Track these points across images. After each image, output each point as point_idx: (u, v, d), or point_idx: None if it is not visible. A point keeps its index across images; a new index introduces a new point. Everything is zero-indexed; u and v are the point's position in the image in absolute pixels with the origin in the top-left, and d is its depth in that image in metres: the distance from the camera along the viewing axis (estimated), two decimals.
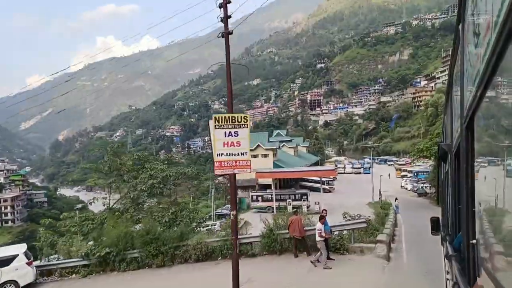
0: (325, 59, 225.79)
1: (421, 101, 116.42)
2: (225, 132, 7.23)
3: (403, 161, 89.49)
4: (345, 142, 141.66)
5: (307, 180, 59.63)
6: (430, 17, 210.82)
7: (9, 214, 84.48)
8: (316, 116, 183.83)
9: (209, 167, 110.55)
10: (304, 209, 40.72)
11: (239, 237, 14.08)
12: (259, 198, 45.42)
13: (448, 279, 3.99)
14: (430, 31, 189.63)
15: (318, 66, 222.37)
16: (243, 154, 7.35)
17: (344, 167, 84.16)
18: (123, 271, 14.20)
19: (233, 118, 7.42)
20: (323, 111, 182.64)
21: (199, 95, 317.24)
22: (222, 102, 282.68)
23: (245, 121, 7.36)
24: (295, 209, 15.50)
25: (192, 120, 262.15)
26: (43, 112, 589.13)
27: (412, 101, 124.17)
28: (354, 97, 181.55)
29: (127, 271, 14.13)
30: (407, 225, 24.60)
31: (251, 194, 47.58)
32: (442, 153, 4.47)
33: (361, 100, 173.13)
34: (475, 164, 1.89)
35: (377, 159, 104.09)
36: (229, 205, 50.95)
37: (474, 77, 1.72)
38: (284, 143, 72.52)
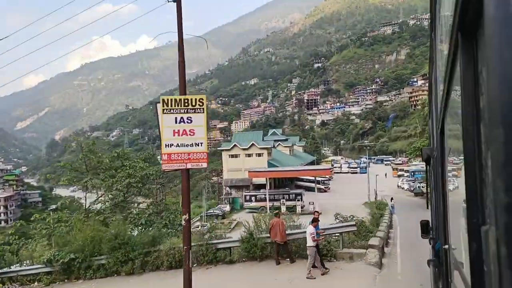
0: (322, 58, 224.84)
1: (418, 101, 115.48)
2: (176, 118, 5.86)
3: (400, 160, 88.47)
4: (342, 142, 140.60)
5: (302, 180, 59.22)
6: (427, 17, 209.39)
7: (2, 214, 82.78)
8: (313, 115, 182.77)
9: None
10: (298, 209, 39.70)
11: (215, 241, 12.84)
12: (253, 198, 44.47)
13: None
14: (427, 30, 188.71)
15: (315, 65, 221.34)
16: (199, 145, 5.95)
17: (341, 167, 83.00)
18: (89, 279, 12.91)
19: (186, 100, 6.05)
20: (320, 111, 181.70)
21: (196, 94, 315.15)
22: (220, 102, 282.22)
23: (201, 104, 6.03)
24: (276, 211, 14.07)
25: None
26: (40, 112, 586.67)
27: (409, 100, 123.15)
28: (351, 96, 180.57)
29: (94, 279, 12.83)
30: (402, 226, 23.40)
31: (244, 194, 46.62)
32: (425, 157, 4.50)
33: (358, 100, 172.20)
34: (449, 168, 1.87)
35: (374, 158, 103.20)
36: (222, 205, 49.71)
37: (443, 81, 1.72)
38: (279, 142, 71.42)
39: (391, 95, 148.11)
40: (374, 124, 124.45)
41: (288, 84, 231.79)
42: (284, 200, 41.52)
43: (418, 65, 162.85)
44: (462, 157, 1.05)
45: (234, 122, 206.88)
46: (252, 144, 54.66)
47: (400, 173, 68.66)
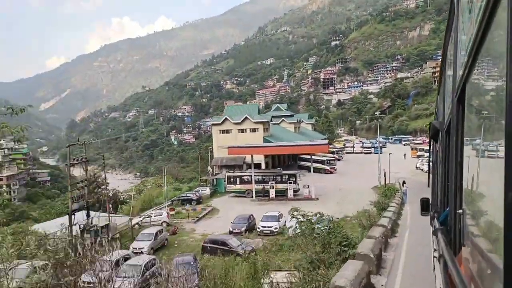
0: (341, 36, 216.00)
1: None
2: None
3: (420, 140, 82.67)
4: (358, 122, 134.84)
5: (305, 160, 55.59)
6: None
7: (5, 193, 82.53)
8: (329, 95, 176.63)
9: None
10: (290, 193, 35.60)
11: None
12: (237, 180, 38.91)
13: (435, 257, 3.69)
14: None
15: (333, 43, 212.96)
16: None
17: (353, 147, 77.90)
18: None
19: None
20: (337, 90, 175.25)
21: (212, 75, 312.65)
22: (235, 82, 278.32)
23: None
24: None
25: (204, 100, 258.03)
26: (62, 94, 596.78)
27: (432, 76, 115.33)
28: (369, 75, 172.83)
29: None
30: (416, 225, 16.03)
31: (226, 174, 41.26)
32: (433, 132, 4.41)
33: (377, 78, 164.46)
34: (465, 137, 1.89)
35: (392, 138, 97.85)
36: (203, 188, 44.98)
37: (467, 44, 1.65)
38: (283, 118, 67.20)
39: (412, 72, 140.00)
40: (393, 103, 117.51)
41: (305, 63, 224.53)
42: (274, 182, 36.54)
43: (443, 40, 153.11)
44: (486, 125, 1.00)
45: (248, 102, 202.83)
46: (246, 118, 49.78)
47: (420, 153, 61.89)
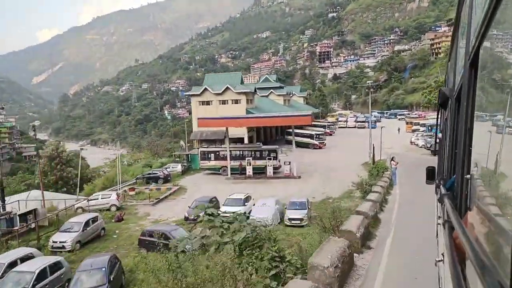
0: (338, 8, 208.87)
1: (440, 48, 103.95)
2: None
3: (415, 114, 79.87)
4: (354, 96, 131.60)
5: (296, 135, 53.04)
6: None
7: None
8: (325, 69, 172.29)
9: None
10: (269, 171, 32.54)
11: None
12: (211, 156, 35.46)
13: (439, 224, 3.78)
14: None
15: (330, 15, 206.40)
16: None
17: (346, 121, 75.10)
18: None
19: None
20: (333, 64, 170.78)
21: (207, 49, 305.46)
22: (230, 56, 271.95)
23: None
24: None
25: (198, 74, 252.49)
26: (54, 67, 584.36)
27: (430, 48, 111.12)
28: (366, 48, 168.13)
29: None
30: (405, 218, 12.71)
31: (200, 149, 37.96)
32: (443, 99, 4.48)
33: (374, 52, 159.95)
34: (476, 103, 1.88)
35: (387, 113, 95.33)
36: (175, 164, 40.16)
37: (483, 2, 1.59)
38: (272, 90, 63.88)
39: (410, 45, 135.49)
40: (389, 76, 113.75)
41: (301, 36, 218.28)
42: (251, 159, 33.18)
43: (443, 12, 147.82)
44: (497, 87, 1.01)
45: (243, 76, 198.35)
46: (227, 88, 46.08)
47: (415, 127, 59.20)
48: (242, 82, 52.17)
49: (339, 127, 73.39)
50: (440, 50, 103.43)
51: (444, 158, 4.79)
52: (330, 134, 60.69)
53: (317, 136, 49.14)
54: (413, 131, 57.49)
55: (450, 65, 4.45)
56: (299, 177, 31.80)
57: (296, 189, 27.00)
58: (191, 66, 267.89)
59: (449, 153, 3.96)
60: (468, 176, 2.04)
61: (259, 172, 33.04)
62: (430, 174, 5.80)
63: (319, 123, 62.88)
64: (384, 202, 16.00)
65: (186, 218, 21.40)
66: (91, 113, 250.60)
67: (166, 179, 34.52)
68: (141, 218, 24.43)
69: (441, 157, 5.45)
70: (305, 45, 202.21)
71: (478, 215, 1.54)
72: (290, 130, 48.92)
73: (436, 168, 5.73)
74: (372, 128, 74.76)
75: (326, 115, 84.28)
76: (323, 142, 49.21)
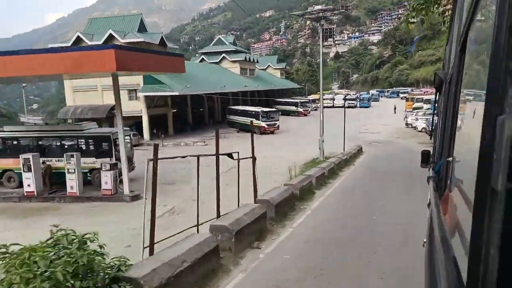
0: None
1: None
2: None
3: (420, 91, 68.93)
4: (355, 76, 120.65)
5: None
6: None
7: None
8: (327, 47, 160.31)
9: None
10: (73, 186, 16.62)
11: None
12: None
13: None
14: None
15: None
16: None
17: (333, 99, 63.60)
18: None
19: None
20: (336, 42, 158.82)
21: (208, 29, 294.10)
22: (230, 35, 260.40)
23: None
24: None
25: (197, 55, 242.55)
26: None
27: (442, 16, 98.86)
28: (373, 24, 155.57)
29: None
30: None
31: None
32: (438, 82, 4.61)
33: (381, 28, 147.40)
34: (464, 84, 1.87)
35: (388, 91, 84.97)
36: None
37: None
38: (224, 54, 53.05)
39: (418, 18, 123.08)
40: (393, 50, 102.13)
41: (305, 16, 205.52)
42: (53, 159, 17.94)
43: None
44: (483, 70, 1.02)
45: None
46: (111, 37, 32.44)
47: (417, 105, 46.88)
48: (144, 29, 39.07)
49: (325, 107, 63.06)
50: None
51: (437, 141, 4.91)
52: (305, 115, 51.04)
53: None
54: (414, 109, 46.28)
55: (448, 48, 4.45)
56: (136, 197, 15.77)
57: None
58: (190, 47, 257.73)
59: (441, 137, 4.07)
60: (450, 159, 2.09)
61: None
62: (425, 158, 5.79)
63: (291, 100, 53.79)
64: None
65: None
66: None
67: None
68: None
69: (435, 141, 5.78)
70: (308, 22, 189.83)
71: (452, 196, 1.55)
72: (233, 108, 39.28)
73: (431, 152, 5.86)
74: (365, 107, 64.49)
75: (313, 93, 73.91)
76: (276, 125, 38.45)
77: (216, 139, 9.18)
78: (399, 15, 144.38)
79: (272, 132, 37.36)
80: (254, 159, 10.32)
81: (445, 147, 2.67)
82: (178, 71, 17.22)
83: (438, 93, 5.58)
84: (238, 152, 9.83)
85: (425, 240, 2.81)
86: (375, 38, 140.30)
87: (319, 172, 14.56)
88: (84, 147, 18.12)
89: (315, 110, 51.76)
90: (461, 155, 1.64)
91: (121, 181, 15.80)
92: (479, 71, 1.27)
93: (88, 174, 17.72)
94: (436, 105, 6.15)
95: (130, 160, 18.00)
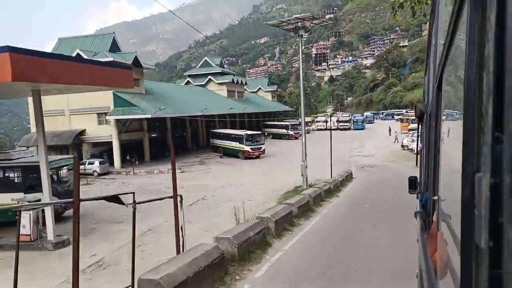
0: (335, 8, 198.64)
1: None
2: None
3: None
4: (350, 98, 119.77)
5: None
6: None
7: None
8: (321, 71, 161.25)
9: None
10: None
11: None
12: None
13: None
14: None
15: (327, 16, 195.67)
16: None
17: (326, 122, 62.00)
18: None
19: None
20: (330, 66, 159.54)
21: (205, 56, 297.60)
22: (226, 62, 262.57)
23: None
24: None
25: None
26: None
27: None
28: (365, 49, 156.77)
29: None
30: None
31: None
32: (419, 113, 4.60)
33: (373, 52, 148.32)
34: (443, 123, 1.88)
35: (383, 113, 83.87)
36: (94, 160, 23.20)
37: (445, 29, 1.51)
38: (210, 76, 51.88)
39: (412, 42, 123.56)
40: (387, 73, 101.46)
41: (297, 39, 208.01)
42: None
43: None
44: (458, 111, 1.02)
45: None
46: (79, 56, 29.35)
47: (412, 126, 45.45)
48: (118, 49, 37.03)
49: (318, 129, 61.49)
50: None
51: (422, 170, 4.93)
52: (296, 138, 48.94)
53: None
54: (410, 130, 44.77)
55: (427, 79, 4.39)
56: (63, 243, 12.93)
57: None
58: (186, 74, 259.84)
59: (424, 167, 4.03)
60: (435, 197, 2.10)
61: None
62: (412, 184, 5.88)
63: (281, 123, 52.61)
64: None
65: None
66: None
67: None
68: None
69: (421, 165, 5.71)
70: (302, 47, 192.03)
71: (442, 235, 1.54)
72: (216, 131, 37.50)
73: (418, 178, 5.79)
74: (360, 129, 62.98)
75: (309, 116, 72.43)
76: (262, 149, 36.96)
77: (172, 172, 7.16)
78: (391, 40, 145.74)
79: (258, 157, 35.42)
80: (176, 198, 7.30)
81: (430, 181, 2.65)
82: (123, 85, 13.56)
83: (420, 121, 5.63)
84: (134, 193, 6.49)
85: (417, 271, 2.85)
86: (368, 61, 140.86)
87: (284, 212, 11.06)
88: (13, 179, 15.17)
89: (308, 132, 49.78)
90: (445, 195, 1.60)
91: (44, 223, 12.76)
92: (456, 113, 1.22)
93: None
94: (419, 132, 6.14)
95: (69, 194, 14.66)
